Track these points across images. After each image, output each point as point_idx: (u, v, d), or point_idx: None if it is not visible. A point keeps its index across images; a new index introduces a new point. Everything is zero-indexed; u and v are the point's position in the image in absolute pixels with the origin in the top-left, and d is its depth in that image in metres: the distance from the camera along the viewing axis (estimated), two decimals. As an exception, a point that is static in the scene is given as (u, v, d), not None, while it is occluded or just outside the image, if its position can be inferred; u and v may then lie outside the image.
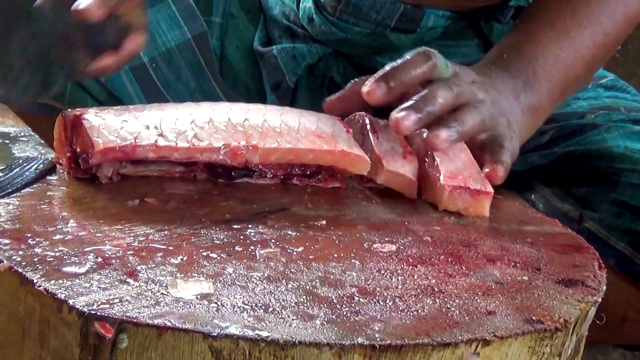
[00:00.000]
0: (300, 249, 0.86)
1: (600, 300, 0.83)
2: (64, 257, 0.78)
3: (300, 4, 1.47)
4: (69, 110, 0.99)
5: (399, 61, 1.06)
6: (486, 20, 1.41)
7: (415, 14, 1.40)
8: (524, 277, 0.85)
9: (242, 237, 0.87)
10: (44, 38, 1.07)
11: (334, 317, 0.73)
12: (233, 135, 1.00)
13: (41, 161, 0.97)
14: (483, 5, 1.41)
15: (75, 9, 1.06)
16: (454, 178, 1.01)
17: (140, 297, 0.73)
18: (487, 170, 1.04)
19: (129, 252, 0.81)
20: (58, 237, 0.82)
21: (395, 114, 1.02)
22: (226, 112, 1.03)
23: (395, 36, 1.42)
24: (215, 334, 0.69)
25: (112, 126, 0.97)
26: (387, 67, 1.06)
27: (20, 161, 0.97)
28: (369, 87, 1.04)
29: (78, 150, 0.97)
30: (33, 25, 1.06)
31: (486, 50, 1.42)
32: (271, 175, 1.03)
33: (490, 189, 1.02)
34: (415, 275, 0.83)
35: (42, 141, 2.10)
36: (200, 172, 1.02)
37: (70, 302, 0.71)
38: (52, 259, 0.78)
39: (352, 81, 1.13)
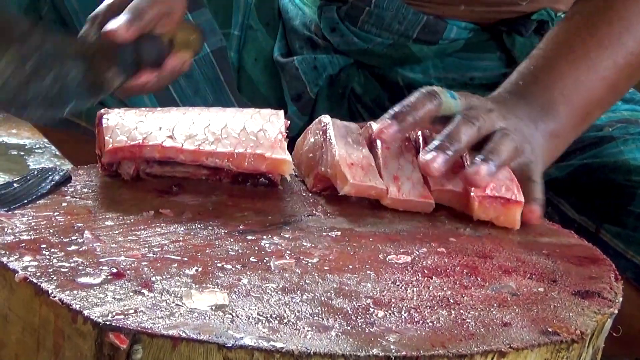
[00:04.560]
0: (315, 260, 0.86)
1: (616, 311, 0.83)
2: (79, 267, 0.78)
3: (322, 13, 1.48)
4: (106, 109, 1.04)
5: (405, 101, 1.05)
6: (508, 33, 1.41)
7: (437, 25, 1.40)
8: (539, 289, 0.85)
9: (256, 248, 0.87)
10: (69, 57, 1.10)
11: (349, 328, 0.73)
12: (243, 142, 1.01)
13: (56, 173, 0.98)
14: (505, 17, 1.41)
15: (104, 31, 1.12)
16: (484, 187, 1.00)
17: (154, 307, 0.73)
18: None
19: (143, 263, 0.81)
20: (73, 248, 0.82)
21: (423, 157, 1.01)
22: (245, 120, 1.04)
23: (417, 47, 1.42)
24: (229, 345, 0.69)
25: (127, 126, 1.00)
26: (395, 108, 1.05)
27: (36, 173, 0.97)
28: (381, 125, 1.04)
29: (98, 147, 1.02)
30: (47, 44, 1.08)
31: (508, 64, 1.42)
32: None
33: (521, 198, 1.01)
34: (431, 287, 0.83)
35: (58, 153, 2.11)
36: (225, 177, 1.03)
37: (85, 312, 0.71)
38: (67, 269, 0.78)
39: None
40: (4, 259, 0.78)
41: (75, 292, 0.74)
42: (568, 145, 1.21)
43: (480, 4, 1.40)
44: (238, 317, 0.73)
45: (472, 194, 1.00)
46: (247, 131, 1.02)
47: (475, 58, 1.43)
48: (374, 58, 1.46)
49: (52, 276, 0.76)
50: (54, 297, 0.73)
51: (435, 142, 1.02)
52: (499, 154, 1.02)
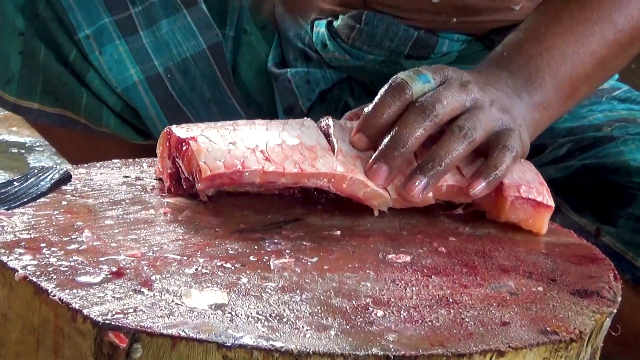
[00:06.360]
0: (314, 259, 0.86)
1: (615, 311, 0.83)
2: (79, 266, 0.79)
3: (314, 28, 1.47)
4: (175, 125, 0.98)
5: (373, 104, 1.01)
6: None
7: (429, 40, 1.39)
8: (539, 288, 0.85)
9: (256, 247, 0.87)
10: None
11: (348, 327, 0.73)
12: (342, 162, 0.97)
13: (56, 171, 0.98)
14: (497, 26, 1.40)
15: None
16: (516, 188, 0.99)
17: (154, 306, 0.73)
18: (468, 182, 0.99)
19: (143, 262, 0.81)
20: (73, 246, 0.82)
21: (367, 170, 0.97)
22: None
23: (409, 63, 1.40)
24: (229, 344, 0.69)
25: (218, 149, 0.95)
26: (364, 114, 1.01)
27: (36, 171, 0.97)
28: (353, 139, 1.00)
29: (183, 170, 0.96)
30: None
31: None
32: None
33: (551, 203, 0.99)
34: (430, 286, 0.83)
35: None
36: (298, 192, 1.01)
37: (85, 311, 0.71)
38: (66, 268, 0.78)
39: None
40: (4, 258, 0.79)
41: (74, 291, 0.74)
42: (556, 118, 1.18)
43: (472, 14, 1.39)
44: (237, 316, 0.73)
45: (504, 193, 0.99)
46: (344, 151, 0.98)
47: (469, 69, 1.41)
48: (366, 74, 1.45)
49: (52, 275, 0.76)
50: (54, 296, 0.73)
51: (379, 149, 0.98)
52: (441, 159, 0.97)
